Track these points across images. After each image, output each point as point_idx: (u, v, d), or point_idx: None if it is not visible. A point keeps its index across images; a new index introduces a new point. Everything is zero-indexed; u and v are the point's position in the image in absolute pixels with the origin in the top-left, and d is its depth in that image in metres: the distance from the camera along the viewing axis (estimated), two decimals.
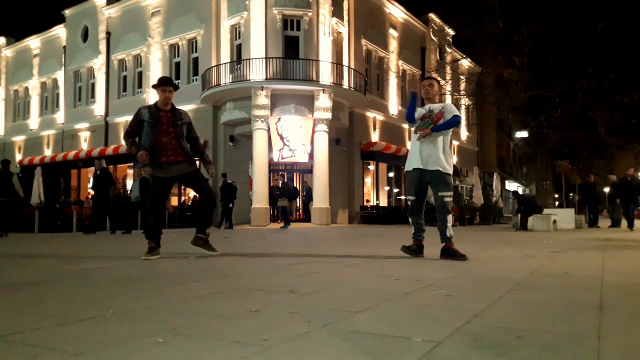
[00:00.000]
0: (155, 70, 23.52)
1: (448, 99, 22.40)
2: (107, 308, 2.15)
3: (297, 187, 19.73)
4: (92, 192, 13.36)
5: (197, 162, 5.04)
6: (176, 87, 4.89)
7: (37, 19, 59.94)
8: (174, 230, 14.26)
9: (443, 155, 4.49)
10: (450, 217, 4.51)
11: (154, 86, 4.87)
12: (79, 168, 26.37)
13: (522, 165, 45.21)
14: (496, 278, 3.23)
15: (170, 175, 4.75)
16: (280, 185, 17.39)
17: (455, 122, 4.50)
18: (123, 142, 23.17)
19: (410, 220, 4.70)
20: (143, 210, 12.79)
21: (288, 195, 16.30)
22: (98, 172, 12.47)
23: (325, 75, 19.73)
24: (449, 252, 4.44)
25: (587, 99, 20.26)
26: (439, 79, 5.81)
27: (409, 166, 4.65)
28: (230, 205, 16.84)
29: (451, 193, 4.54)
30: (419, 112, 4.73)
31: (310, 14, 20.10)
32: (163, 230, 5.00)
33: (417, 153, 4.56)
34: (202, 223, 4.89)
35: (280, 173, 18.08)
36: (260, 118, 19.04)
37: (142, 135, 4.69)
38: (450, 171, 4.55)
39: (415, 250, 4.66)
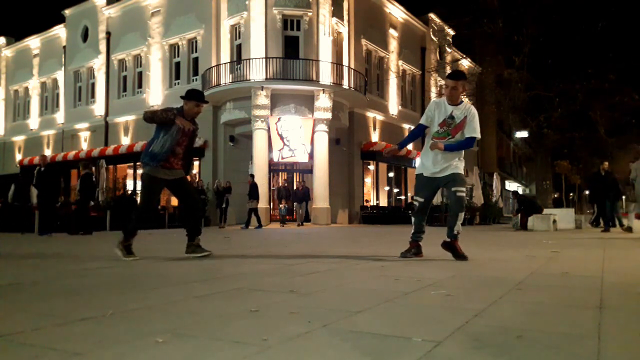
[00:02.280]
0: (155, 70, 23.53)
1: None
2: (107, 308, 2.15)
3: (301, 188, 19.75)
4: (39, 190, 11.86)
5: None
6: (206, 103, 4.97)
7: (37, 19, 59.99)
8: (174, 230, 14.26)
9: (458, 161, 4.44)
10: (462, 214, 4.41)
11: (186, 98, 4.75)
12: (79, 168, 26.33)
13: (522, 165, 45.21)
14: (496, 278, 3.23)
15: (163, 177, 4.72)
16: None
17: (468, 145, 4.37)
18: (123, 142, 22.99)
19: (413, 219, 4.66)
20: (82, 208, 11.81)
21: (255, 196, 16.36)
22: (42, 169, 11.49)
23: (325, 75, 19.73)
24: (450, 248, 4.42)
25: (587, 99, 20.28)
26: (464, 72, 5.36)
27: (423, 170, 4.53)
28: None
29: (464, 189, 4.48)
30: (439, 115, 4.39)
31: (310, 14, 20.11)
32: (163, 231, 4.99)
33: (433, 159, 4.42)
34: (192, 231, 4.85)
35: (250, 173, 17.95)
36: (260, 118, 19.04)
37: (163, 134, 4.63)
38: (462, 172, 4.52)
39: (414, 252, 4.65)
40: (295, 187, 19.24)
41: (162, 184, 4.80)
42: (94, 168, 12.29)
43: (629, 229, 10.99)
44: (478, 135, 4.39)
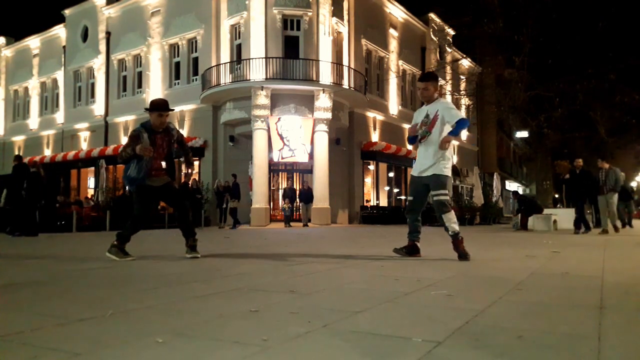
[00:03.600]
0: (155, 70, 23.53)
1: (448, 98, 22.30)
2: (107, 308, 2.15)
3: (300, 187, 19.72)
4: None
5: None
6: (171, 110, 4.82)
7: (37, 19, 59.93)
8: (174, 230, 14.25)
9: (440, 159, 4.45)
10: (449, 215, 4.42)
11: (149, 110, 4.71)
12: (78, 168, 26.38)
13: (522, 165, 45.22)
14: (496, 278, 3.23)
15: (151, 185, 4.72)
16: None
17: (464, 124, 4.42)
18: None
19: (407, 219, 4.71)
20: (27, 208, 11.03)
21: (237, 195, 16.20)
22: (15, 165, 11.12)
23: (325, 75, 19.73)
24: (455, 249, 4.43)
25: (587, 99, 20.30)
26: (434, 73, 5.43)
27: (414, 172, 4.68)
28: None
29: (444, 191, 4.48)
30: (419, 118, 4.64)
31: (310, 13, 20.10)
32: (162, 231, 4.99)
33: (417, 160, 4.63)
34: (185, 233, 4.87)
35: (232, 174, 17.68)
36: (260, 118, 19.03)
37: (137, 161, 4.60)
38: (447, 173, 4.50)
39: (408, 250, 4.65)
40: (301, 187, 19.07)
41: (153, 191, 4.79)
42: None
43: (605, 232, 10.54)
44: (462, 116, 4.50)
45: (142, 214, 4.79)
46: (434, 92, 4.60)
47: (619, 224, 11.75)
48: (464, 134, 33.76)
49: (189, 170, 5.11)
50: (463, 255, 4.35)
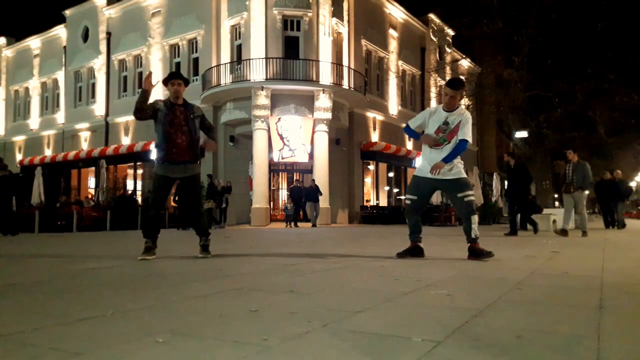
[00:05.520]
0: (156, 71, 23.51)
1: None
2: (107, 308, 2.15)
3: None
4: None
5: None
6: (186, 81, 4.89)
7: (37, 19, 60.03)
8: (173, 230, 14.26)
9: (457, 163, 4.41)
10: (476, 218, 4.38)
11: (164, 82, 4.88)
12: (79, 168, 26.40)
13: None
14: (496, 278, 3.23)
15: (172, 176, 4.75)
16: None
17: (462, 149, 4.35)
18: (124, 142, 23.02)
19: (407, 220, 4.65)
20: None
21: (212, 196, 16.09)
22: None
23: (325, 75, 19.73)
24: (474, 252, 4.37)
25: (587, 99, 20.33)
26: (463, 81, 5.29)
27: (421, 173, 4.53)
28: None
29: (472, 192, 4.46)
30: (434, 122, 4.43)
31: (310, 14, 20.11)
32: (163, 231, 5.00)
33: (430, 163, 4.42)
34: (197, 233, 4.96)
35: (207, 174, 17.37)
36: (260, 118, 19.04)
37: (157, 126, 4.73)
38: (465, 175, 4.49)
39: (411, 252, 4.61)
40: (309, 185, 18.69)
41: (167, 182, 4.82)
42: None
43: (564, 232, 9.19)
44: (469, 138, 4.39)
45: (152, 204, 4.84)
46: (459, 100, 4.49)
47: (593, 227, 10.87)
48: None
49: (208, 147, 5.14)
50: (488, 253, 4.29)
